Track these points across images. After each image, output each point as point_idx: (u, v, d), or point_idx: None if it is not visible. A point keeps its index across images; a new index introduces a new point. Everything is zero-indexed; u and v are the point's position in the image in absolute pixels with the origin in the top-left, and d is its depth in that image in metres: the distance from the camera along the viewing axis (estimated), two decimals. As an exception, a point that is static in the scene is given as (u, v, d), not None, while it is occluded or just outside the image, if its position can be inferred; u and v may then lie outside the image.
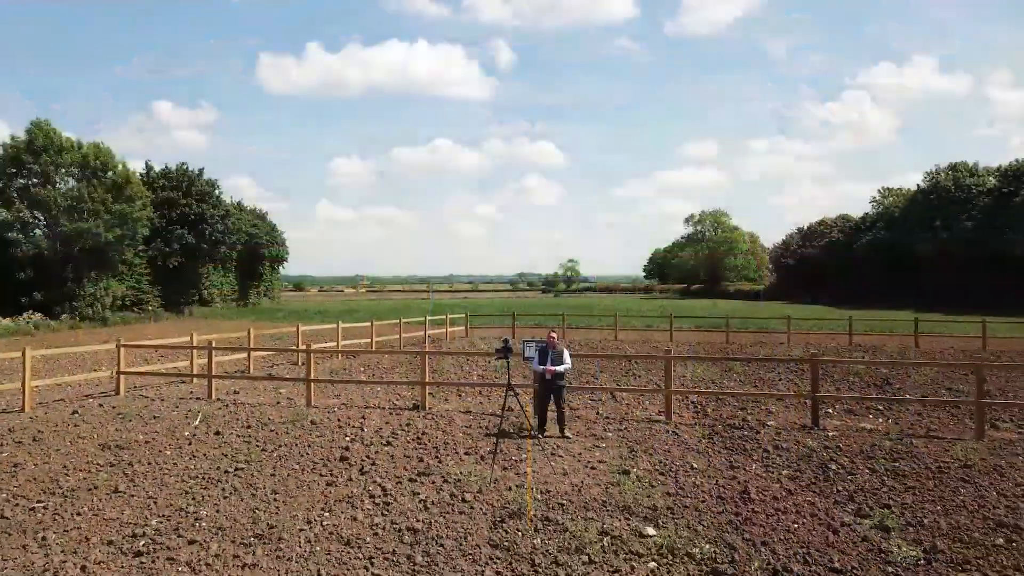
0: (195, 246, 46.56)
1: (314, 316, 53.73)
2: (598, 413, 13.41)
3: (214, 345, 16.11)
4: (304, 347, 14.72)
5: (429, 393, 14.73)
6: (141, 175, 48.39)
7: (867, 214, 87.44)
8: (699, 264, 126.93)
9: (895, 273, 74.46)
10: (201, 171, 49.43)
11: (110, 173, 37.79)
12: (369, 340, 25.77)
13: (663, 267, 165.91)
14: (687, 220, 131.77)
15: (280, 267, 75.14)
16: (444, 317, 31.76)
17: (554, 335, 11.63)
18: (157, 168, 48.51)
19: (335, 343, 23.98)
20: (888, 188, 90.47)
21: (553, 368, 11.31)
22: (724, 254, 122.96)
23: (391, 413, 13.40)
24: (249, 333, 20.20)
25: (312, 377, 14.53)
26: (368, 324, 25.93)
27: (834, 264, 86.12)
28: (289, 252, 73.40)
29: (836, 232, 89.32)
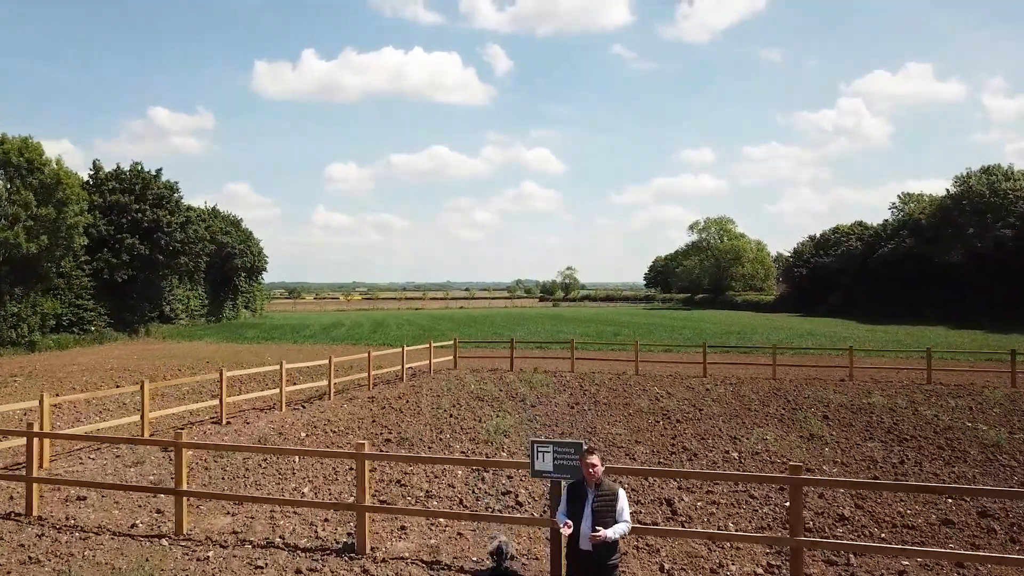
0: (149, 257, 40.85)
1: (288, 335, 48.08)
2: (662, 569, 7.75)
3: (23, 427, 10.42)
4: (173, 439, 8.98)
5: (379, 518, 9.09)
6: (89, 175, 42.78)
7: (887, 221, 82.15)
8: (704, 273, 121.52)
9: (921, 284, 69.04)
10: (159, 172, 43.78)
11: (39, 172, 32.11)
12: (327, 382, 20.11)
13: (665, 275, 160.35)
14: (691, 227, 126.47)
15: (258, 278, 69.42)
16: (427, 346, 26.09)
17: (596, 461, 5.91)
18: (107, 168, 42.86)
19: (278, 390, 18.28)
20: (908, 194, 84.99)
21: (600, 534, 5.63)
22: (730, 263, 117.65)
23: (304, 564, 7.77)
24: (143, 388, 14.46)
25: (184, 488, 8.86)
26: (326, 360, 20.25)
27: (852, 274, 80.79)
28: (268, 261, 67.81)
29: (854, 240, 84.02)
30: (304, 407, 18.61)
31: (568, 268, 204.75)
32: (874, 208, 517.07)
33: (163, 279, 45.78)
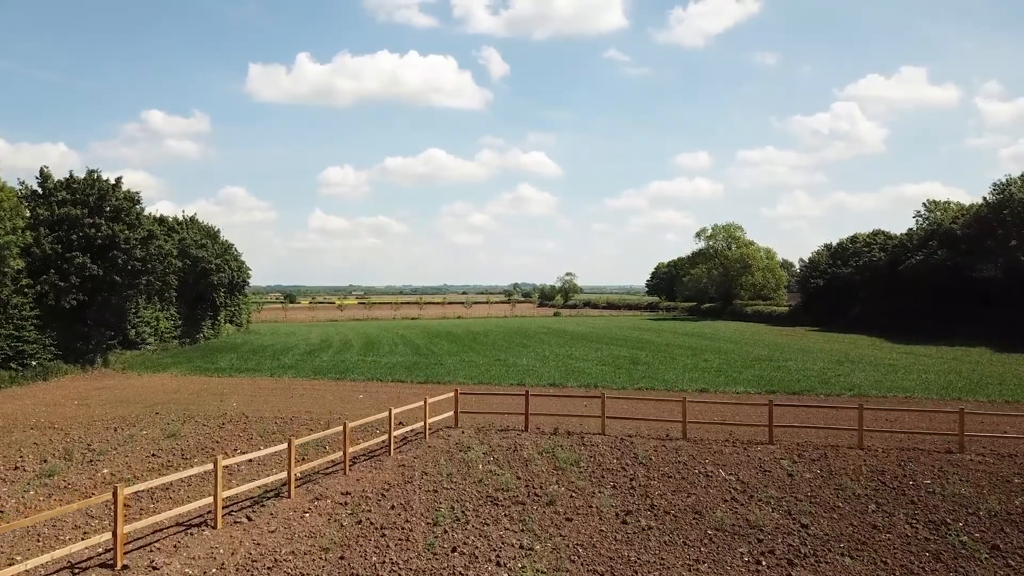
0: (103, 278, 35.57)
1: (267, 362, 42.68)
2: None
3: None
4: None
5: None
6: (38, 183, 37.54)
7: (912, 230, 77.22)
8: (712, 282, 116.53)
9: (954, 299, 64.08)
10: (118, 181, 38.46)
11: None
12: (286, 473, 14.89)
13: (669, 282, 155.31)
14: (698, 235, 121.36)
15: (240, 293, 64.11)
16: (422, 403, 20.81)
17: None
18: (57, 177, 37.53)
19: (211, 499, 13.05)
20: (934, 201, 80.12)
21: None
22: (739, 271, 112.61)
23: None
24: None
25: None
26: (284, 446, 15.02)
27: (875, 286, 75.88)
28: (251, 273, 62.60)
29: (876, 250, 79.10)
30: (251, 518, 13.39)
31: (568, 274, 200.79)
32: (870, 212, 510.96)
33: (126, 300, 40.52)
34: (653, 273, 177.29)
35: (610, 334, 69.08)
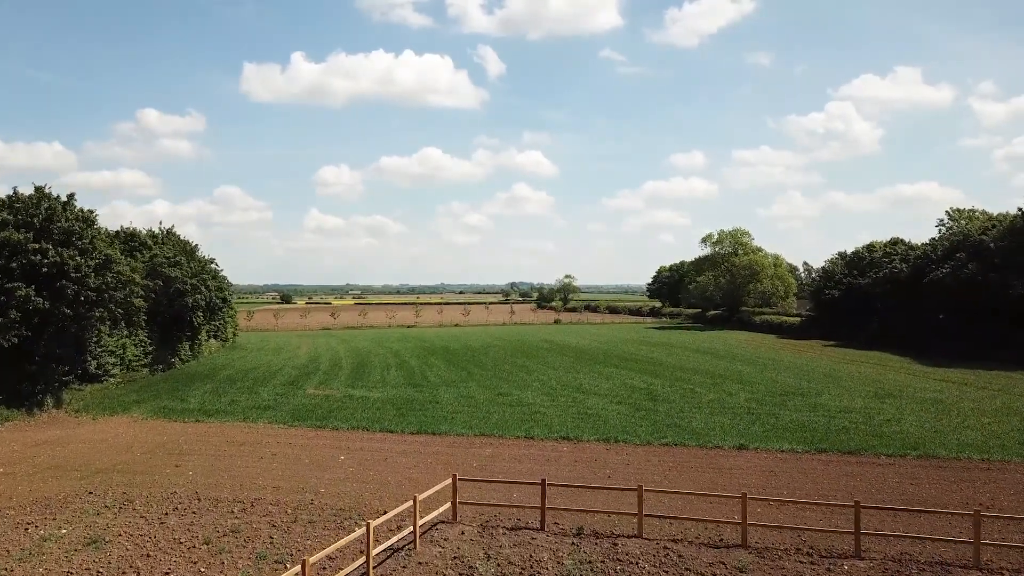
0: (50, 311, 31.15)
1: (242, 397, 38.19)
2: None
3: None
4: None
5: None
6: (-22, 204, 33.08)
7: (935, 240, 73.00)
8: (718, 290, 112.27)
9: (985, 317, 59.89)
10: (70, 198, 33.99)
11: None
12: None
13: (671, 287, 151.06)
14: (704, 240, 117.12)
15: (220, 313, 59.54)
16: (412, 502, 16.40)
17: None
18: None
19: None
20: (958, 210, 75.93)
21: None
22: (747, 279, 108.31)
23: None
24: None
25: None
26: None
27: (896, 300, 71.67)
28: (232, 294, 58.12)
29: (897, 260, 74.85)
30: None
31: (567, 276, 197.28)
32: (866, 212, 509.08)
33: (84, 330, 36.08)
34: (655, 277, 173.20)
35: (617, 351, 64.78)
